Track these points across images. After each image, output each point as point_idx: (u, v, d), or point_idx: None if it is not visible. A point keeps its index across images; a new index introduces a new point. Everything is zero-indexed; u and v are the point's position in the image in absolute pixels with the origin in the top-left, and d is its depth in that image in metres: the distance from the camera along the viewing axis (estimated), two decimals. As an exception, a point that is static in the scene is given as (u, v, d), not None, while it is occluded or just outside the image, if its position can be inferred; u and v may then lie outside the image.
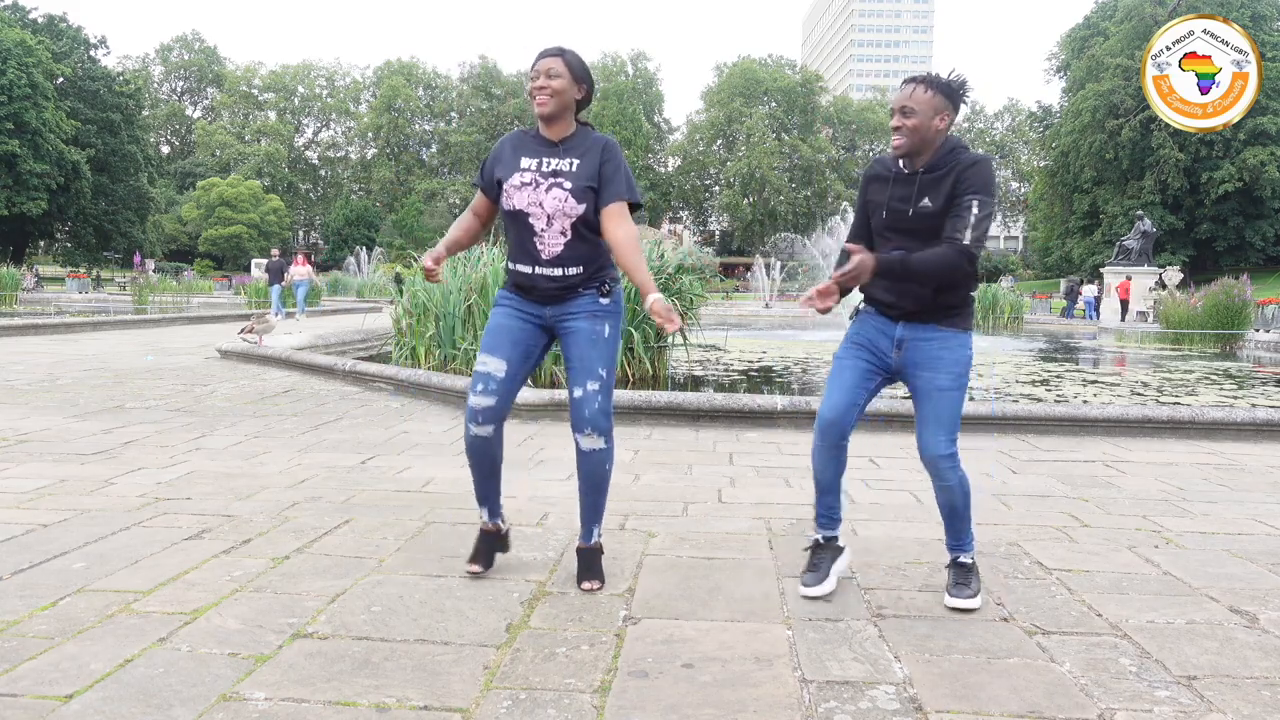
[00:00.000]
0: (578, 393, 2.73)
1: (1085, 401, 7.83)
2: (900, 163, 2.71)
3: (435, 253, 2.82)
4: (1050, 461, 5.07)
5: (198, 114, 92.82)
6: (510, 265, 2.80)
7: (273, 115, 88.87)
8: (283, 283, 20.67)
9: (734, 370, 10.20)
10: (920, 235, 2.64)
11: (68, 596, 2.63)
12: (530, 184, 2.68)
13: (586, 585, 2.78)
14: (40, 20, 59.72)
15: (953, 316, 2.69)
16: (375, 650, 2.29)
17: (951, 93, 2.65)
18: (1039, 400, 7.84)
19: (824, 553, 2.85)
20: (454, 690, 2.08)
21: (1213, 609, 2.72)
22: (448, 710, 1.98)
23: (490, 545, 2.94)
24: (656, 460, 4.87)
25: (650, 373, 8.04)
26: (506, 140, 2.84)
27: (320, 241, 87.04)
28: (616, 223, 2.68)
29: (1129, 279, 27.86)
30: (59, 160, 52.24)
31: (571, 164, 2.69)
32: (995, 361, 12.10)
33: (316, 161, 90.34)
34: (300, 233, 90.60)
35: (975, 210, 2.56)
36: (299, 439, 5.32)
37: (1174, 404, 7.75)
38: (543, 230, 2.67)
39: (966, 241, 2.55)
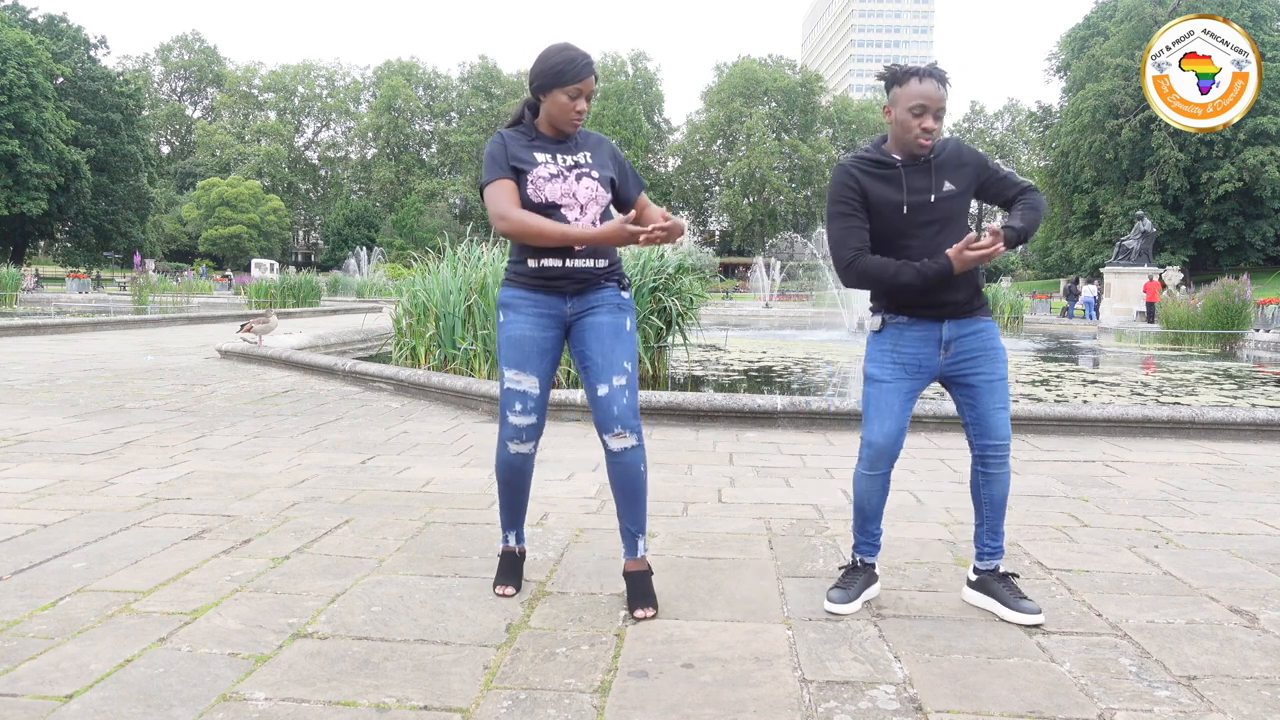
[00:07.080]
0: (602, 389, 2.59)
1: (1085, 401, 7.82)
2: (895, 156, 2.59)
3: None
4: (1050, 461, 5.07)
5: (198, 114, 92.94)
6: (532, 262, 2.61)
7: (273, 115, 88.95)
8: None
9: (734, 370, 10.20)
10: (940, 222, 2.56)
11: (68, 596, 2.63)
12: (559, 175, 2.60)
13: (640, 613, 2.56)
14: (40, 20, 59.77)
15: (986, 306, 2.68)
16: (375, 650, 2.29)
17: None
18: (1039, 400, 7.84)
19: (858, 575, 2.73)
20: (454, 690, 2.08)
21: (1213, 609, 2.72)
22: (448, 710, 1.98)
23: (517, 567, 2.81)
24: (656, 460, 4.87)
25: (650, 373, 8.05)
26: (503, 139, 2.65)
27: (320, 241, 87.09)
28: (649, 204, 2.77)
29: (1153, 279, 25.99)
30: (59, 160, 52.27)
31: (585, 156, 2.66)
32: None
33: (316, 161, 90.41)
34: (300, 232, 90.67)
35: (1004, 165, 2.64)
36: (299, 439, 5.33)
37: (1174, 404, 7.74)
38: (576, 220, 2.59)
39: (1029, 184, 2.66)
